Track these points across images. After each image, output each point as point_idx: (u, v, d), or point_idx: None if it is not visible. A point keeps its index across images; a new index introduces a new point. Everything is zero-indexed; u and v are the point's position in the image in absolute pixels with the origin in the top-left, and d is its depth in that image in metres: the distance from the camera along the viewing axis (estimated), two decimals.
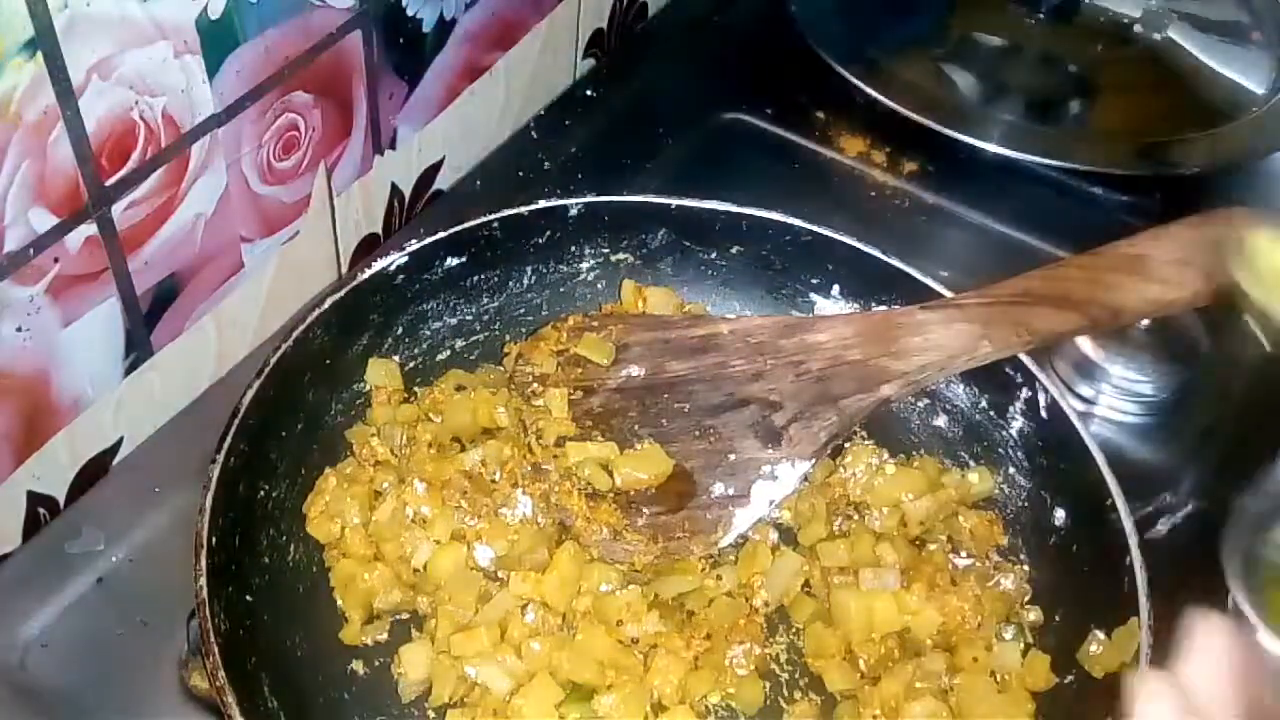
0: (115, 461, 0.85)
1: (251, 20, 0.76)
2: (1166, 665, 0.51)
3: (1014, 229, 1.04)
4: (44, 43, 0.64)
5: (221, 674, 0.64)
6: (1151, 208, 1.05)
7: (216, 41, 0.75)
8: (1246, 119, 1.12)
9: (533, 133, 1.10)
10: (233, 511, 0.72)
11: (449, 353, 0.88)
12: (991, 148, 1.05)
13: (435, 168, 1.03)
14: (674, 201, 0.88)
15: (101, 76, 0.69)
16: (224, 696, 0.63)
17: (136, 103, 0.72)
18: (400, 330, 0.86)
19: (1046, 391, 0.80)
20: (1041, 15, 1.22)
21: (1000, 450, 0.84)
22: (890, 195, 1.08)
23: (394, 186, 0.99)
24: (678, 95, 1.15)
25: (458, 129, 1.03)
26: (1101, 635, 0.72)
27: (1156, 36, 1.20)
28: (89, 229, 0.73)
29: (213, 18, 0.73)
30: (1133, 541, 0.72)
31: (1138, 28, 1.21)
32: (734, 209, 0.88)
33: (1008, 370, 0.81)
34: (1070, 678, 0.73)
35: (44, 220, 0.70)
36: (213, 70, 0.76)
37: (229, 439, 0.72)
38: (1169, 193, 1.06)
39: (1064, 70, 1.20)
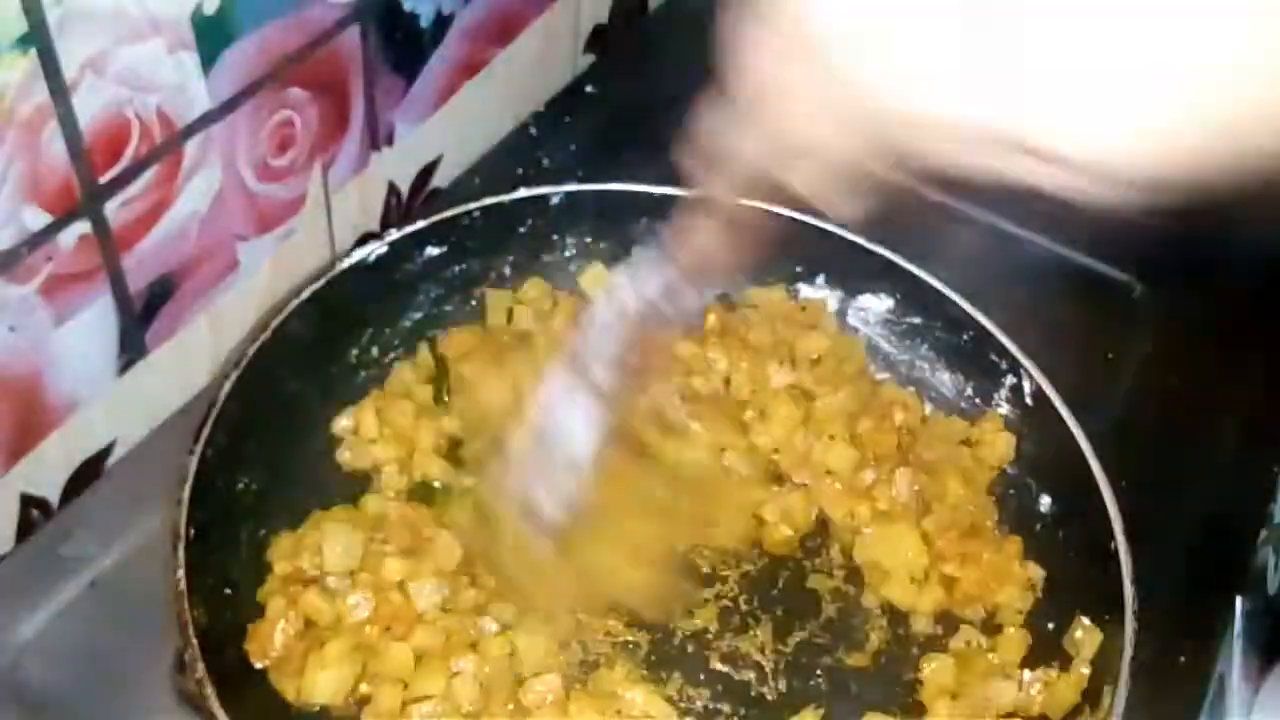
0: (109, 463, 0.84)
1: (247, 16, 0.76)
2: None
3: (1017, 227, 1.03)
4: (37, 38, 0.64)
5: (200, 667, 0.64)
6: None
7: (211, 37, 0.74)
8: None
9: (532, 130, 1.09)
10: (211, 503, 0.72)
11: (428, 343, 0.88)
12: None
13: (433, 165, 1.02)
14: (655, 190, 0.89)
15: (95, 73, 0.68)
16: (204, 689, 0.64)
17: (130, 99, 0.71)
18: (380, 321, 0.86)
19: (1032, 378, 0.81)
20: None
21: None
22: (890, 193, 1.07)
23: (391, 184, 0.99)
24: (677, 92, 1.14)
25: (456, 126, 1.02)
26: (1087, 621, 0.73)
27: None
28: (82, 227, 0.72)
29: (208, 13, 0.73)
30: (1118, 527, 0.73)
31: None
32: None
33: (993, 357, 0.83)
34: (1055, 663, 0.74)
35: (37, 218, 0.69)
36: (207, 66, 0.75)
37: (206, 430, 0.72)
38: None
39: None
